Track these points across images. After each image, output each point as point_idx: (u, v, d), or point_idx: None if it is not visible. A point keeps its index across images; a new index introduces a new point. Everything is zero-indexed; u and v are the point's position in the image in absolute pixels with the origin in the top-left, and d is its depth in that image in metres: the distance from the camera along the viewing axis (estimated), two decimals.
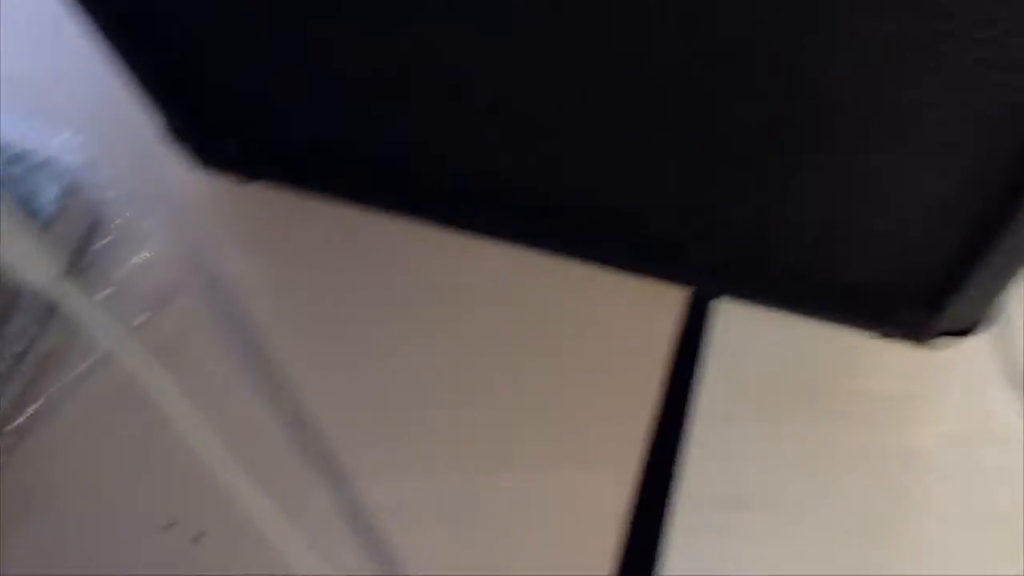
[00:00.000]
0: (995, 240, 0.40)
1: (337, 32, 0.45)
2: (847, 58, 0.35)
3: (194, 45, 0.51)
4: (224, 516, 0.52)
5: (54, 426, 0.57)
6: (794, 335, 0.51)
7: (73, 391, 0.58)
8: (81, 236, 0.60)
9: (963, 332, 0.48)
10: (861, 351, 0.50)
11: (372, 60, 0.46)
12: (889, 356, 0.50)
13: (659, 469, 0.50)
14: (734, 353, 0.52)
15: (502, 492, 0.51)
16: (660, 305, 0.53)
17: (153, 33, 0.50)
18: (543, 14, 0.37)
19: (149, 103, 0.56)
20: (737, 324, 0.52)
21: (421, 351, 0.55)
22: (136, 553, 0.53)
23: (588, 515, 0.49)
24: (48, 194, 0.60)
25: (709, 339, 0.52)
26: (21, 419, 0.57)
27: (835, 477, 0.48)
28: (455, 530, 0.50)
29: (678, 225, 0.48)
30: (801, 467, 0.49)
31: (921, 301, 0.46)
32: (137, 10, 0.48)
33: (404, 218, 0.57)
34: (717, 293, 0.53)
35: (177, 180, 0.61)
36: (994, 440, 0.49)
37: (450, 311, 0.56)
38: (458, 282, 0.56)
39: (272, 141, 0.56)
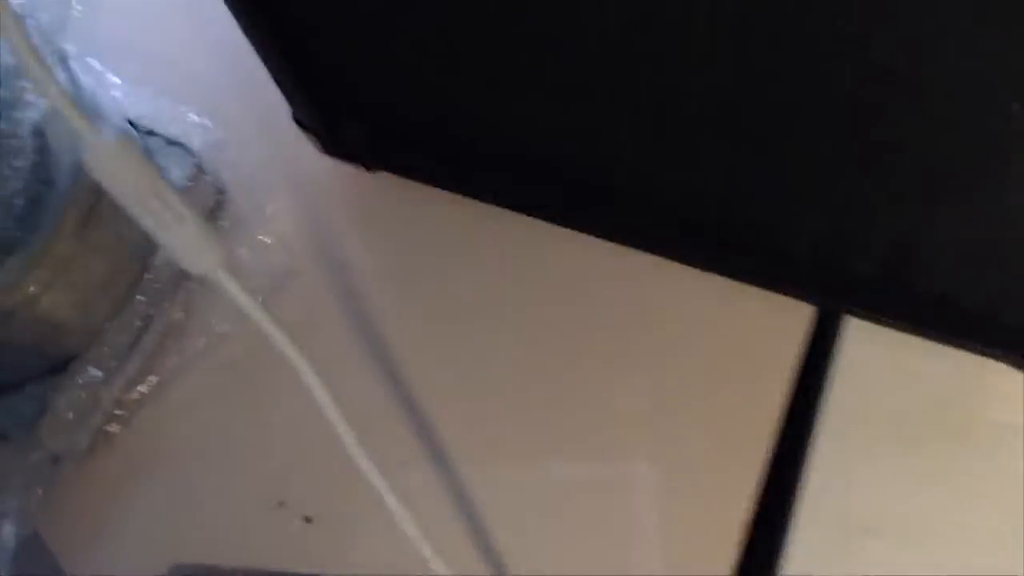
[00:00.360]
0: None
1: (474, 24, 0.45)
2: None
3: (326, 30, 0.52)
4: (336, 499, 0.53)
5: (171, 399, 0.59)
6: (926, 358, 0.50)
7: (191, 367, 0.59)
8: (206, 215, 0.61)
9: None
10: (997, 380, 0.49)
11: (508, 52, 0.46)
12: None
13: (779, 489, 0.49)
14: (863, 373, 0.51)
15: (612, 502, 0.51)
16: (788, 319, 0.52)
17: (286, 18, 0.51)
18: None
19: (279, 86, 0.57)
20: (867, 343, 0.51)
21: (535, 346, 0.55)
22: (247, 530, 0.54)
23: (702, 534, 0.49)
24: (175, 172, 0.61)
25: (838, 357, 0.51)
26: (139, 391, 0.59)
27: (963, 507, 0.47)
28: (560, 531, 0.51)
29: (815, 240, 0.48)
30: (928, 495, 0.48)
31: None
32: None
33: (524, 213, 0.57)
34: (849, 310, 0.52)
35: (304, 164, 0.62)
36: None
37: (567, 310, 0.56)
38: (576, 282, 0.56)
39: (399, 131, 0.57)
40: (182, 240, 0.34)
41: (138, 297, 0.59)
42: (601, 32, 0.41)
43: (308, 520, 0.54)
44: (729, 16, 0.37)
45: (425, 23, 0.47)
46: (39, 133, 0.55)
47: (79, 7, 0.58)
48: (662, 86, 0.43)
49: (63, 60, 0.58)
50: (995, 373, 0.49)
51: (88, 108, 0.59)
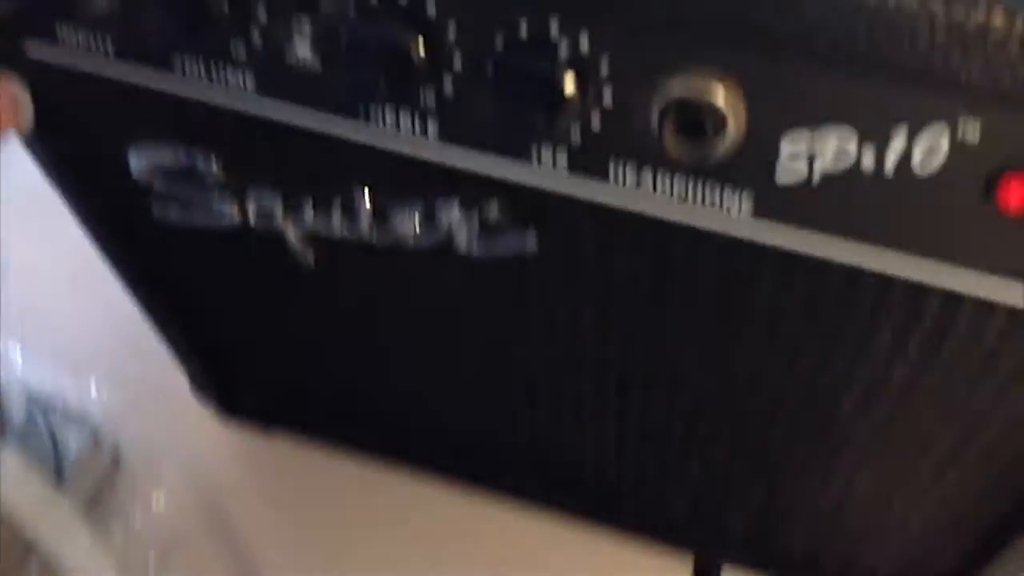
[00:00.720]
0: (1010, 539, 0.43)
1: (363, 312, 0.49)
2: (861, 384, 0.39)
3: (219, 305, 0.55)
4: None
5: None
6: None
7: None
8: (99, 482, 0.63)
9: None
10: None
11: (400, 332, 0.50)
12: None
13: None
14: None
15: None
16: (668, 571, 0.56)
17: (178, 291, 0.54)
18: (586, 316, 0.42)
19: (173, 354, 0.60)
20: None
21: None
22: None
23: None
24: (72, 442, 0.63)
25: None
26: None
27: None
28: None
29: (684, 500, 0.52)
30: None
31: None
32: (163, 270, 0.52)
33: (409, 471, 0.61)
34: (721, 563, 0.55)
35: (198, 429, 0.64)
36: None
37: (452, 567, 0.58)
38: (456, 539, 0.59)
39: (294, 396, 0.60)
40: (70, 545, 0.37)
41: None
42: (476, 320, 0.45)
43: None
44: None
45: (310, 309, 0.51)
46: None
47: None
48: (541, 367, 0.47)
49: None
50: None
51: None
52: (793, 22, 0.27)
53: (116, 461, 0.64)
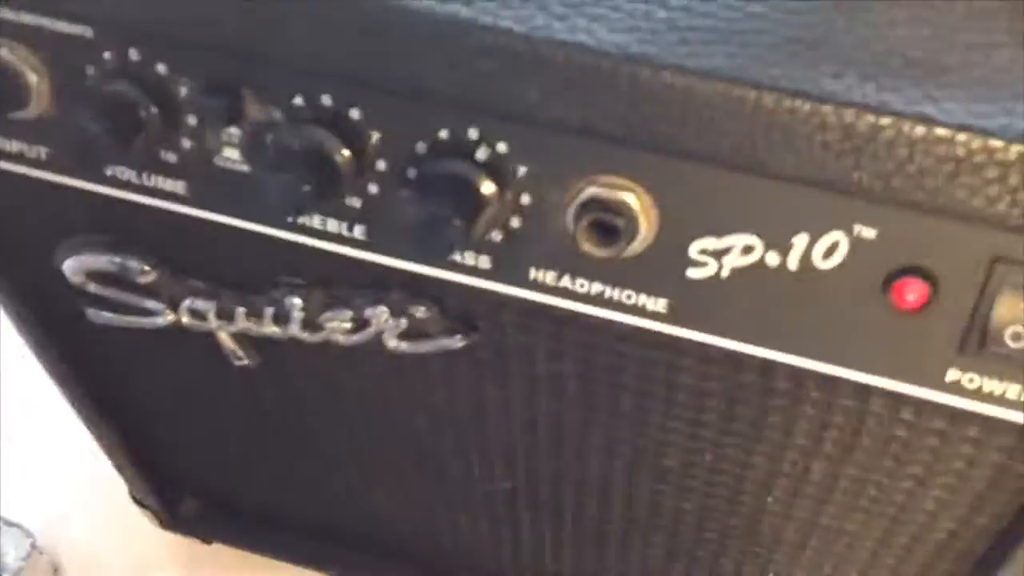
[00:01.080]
0: None
1: (294, 410, 0.49)
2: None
3: (155, 408, 0.54)
4: None
5: None
6: None
7: None
8: None
9: None
10: None
11: (332, 429, 0.50)
12: None
13: None
14: None
15: None
16: None
17: (115, 395, 0.53)
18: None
19: (115, 466, 0.60)
20: None
21: None
22: None
23: None
24: (11, 552, 0.62)
25: None
26: None
27: None
28: None
29: None
30: None
31: None
32: (99, 374, 0.52)
33: None
34: None
35: (140, 539, 0.63)
36: None
37: None
38: None
39: (235, 505, 0.60)
40: None
41: None
42: (412, 432, 0.46)
43: None
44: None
45: (244, 409, 0.51)
46: None
47: None
48: (473, 467, 0.47)
49: None
50: None
51: None
52: (696, 130, 0.28)
53: (55, 570, 0.63)
